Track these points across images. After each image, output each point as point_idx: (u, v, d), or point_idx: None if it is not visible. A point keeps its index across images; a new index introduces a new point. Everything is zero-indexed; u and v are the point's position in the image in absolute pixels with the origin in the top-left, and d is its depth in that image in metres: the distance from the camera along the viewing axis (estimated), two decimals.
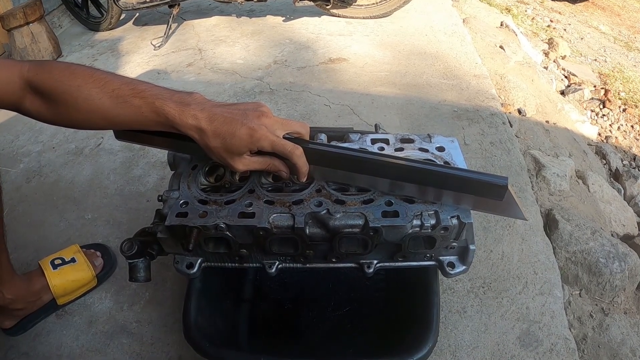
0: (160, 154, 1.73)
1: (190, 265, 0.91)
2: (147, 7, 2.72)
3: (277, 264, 0.90)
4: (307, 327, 1.07)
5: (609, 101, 3.11)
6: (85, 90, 0.73)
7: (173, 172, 0.97)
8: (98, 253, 1.29)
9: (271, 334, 1.06)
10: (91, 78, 0.74)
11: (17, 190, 1.67)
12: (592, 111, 3.06)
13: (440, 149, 0.94)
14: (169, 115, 0.73)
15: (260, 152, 0.79)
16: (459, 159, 0.91)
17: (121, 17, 3.09)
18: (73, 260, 1.22)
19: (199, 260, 0.92)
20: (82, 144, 1.86)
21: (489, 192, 0.75)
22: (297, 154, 0.78)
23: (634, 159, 2.65)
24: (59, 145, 1.88)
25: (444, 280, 1.21)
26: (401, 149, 0.93)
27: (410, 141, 0.96)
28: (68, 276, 1.19)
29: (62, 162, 1.78)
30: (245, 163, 0.79)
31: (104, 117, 0.76)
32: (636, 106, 3.18)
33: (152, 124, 0.76)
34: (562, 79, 3.28)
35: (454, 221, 0.81)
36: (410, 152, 0.92)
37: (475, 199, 0.78)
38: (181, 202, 0.86)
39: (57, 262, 1.20)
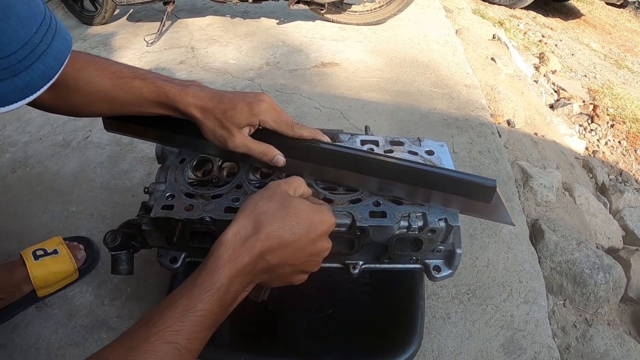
0: (147, 149, 1.71)
1: (174, 260, 0.90)
2: (141, 3, 2.71)
3: None
4: (290, 327, 1.06)
5: (597, 116, 3.15)
6: (86, 73, 0.75)
7: (160, 165, 0.96)
8: (81, 246, 1.27)
9: (253, 333, 1.04)
10: (92, 62, 0.76)
11: (1, 179, 1.64)
12: (580, 125, 3.10)
13: (430, 152, 0.94)
14: (169, 94, 0.75)
15: (259, 138, 0.79)
16: (448, 163, 0.91)
17: (115, 13, 3.07)
18: (55, 251, 1.20)
19: (183, 255, 0.91)
20: (70, 137, 1.84)
21: (477, 193, 0.75)
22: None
23: (620, 174, 2.68)
24: (46, 137, 1.85)
25: (428, 285, 1.20)
26: (390, 151, 0.93)
27: (400, 144, 0.96)
28: (49, 268, 1.17)
29: (48, 153, 1.76)
30: (242, 138, 0.78)
31: (104, 98, 0.76)
32: (624, 122, 3.22)
33: (151, 105, 0.77)
34: (551, 93, 3.31)
35: (442, 224, 0.81)
36: (400, 155, 0.92)
37: (463, 201, 0.78)
38: (167, 194, 0.85)
39: (39, 253, 1.18)
